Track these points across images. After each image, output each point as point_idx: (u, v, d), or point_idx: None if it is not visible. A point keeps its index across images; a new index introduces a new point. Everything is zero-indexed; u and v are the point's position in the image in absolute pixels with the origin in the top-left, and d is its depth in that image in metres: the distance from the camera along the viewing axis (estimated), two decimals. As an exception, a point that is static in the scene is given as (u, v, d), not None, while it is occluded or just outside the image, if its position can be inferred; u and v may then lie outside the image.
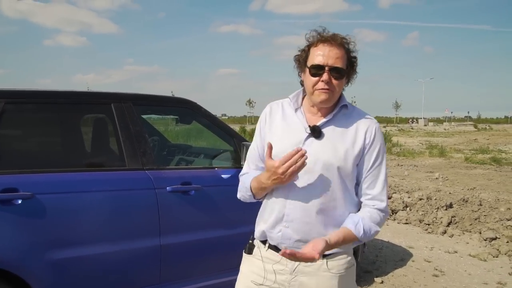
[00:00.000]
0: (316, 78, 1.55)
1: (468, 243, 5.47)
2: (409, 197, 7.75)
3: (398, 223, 6.49)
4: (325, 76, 1.54)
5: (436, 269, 4.46)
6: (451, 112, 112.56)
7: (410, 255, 4.93)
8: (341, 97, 1.65)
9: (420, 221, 6.38)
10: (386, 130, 32.63)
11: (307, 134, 1.60)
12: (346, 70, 1.57)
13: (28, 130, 2.68)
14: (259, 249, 1.71)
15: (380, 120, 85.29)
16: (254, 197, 1.70)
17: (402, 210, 6.98)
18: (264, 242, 1.70)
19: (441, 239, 5.67)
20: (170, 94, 3.80)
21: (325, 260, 1.61)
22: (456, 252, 5.06)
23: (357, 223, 1.56)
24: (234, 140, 3.16)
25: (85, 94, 2.82)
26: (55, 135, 2.80)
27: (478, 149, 19.44)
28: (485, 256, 4.88)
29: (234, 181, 2.98)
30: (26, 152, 2.62)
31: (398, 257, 4.85)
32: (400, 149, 19.54)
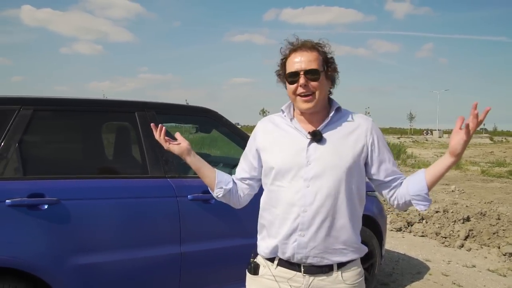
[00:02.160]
0: (295, 85, 1.59)
1: (486, 257, 5.38)
2: (425, 210, 7.66)
3: (414, 235, 6.42)
4: (301, 80, 1.57)
5: (454, 283, 4.40)
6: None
7: (427, 268, 4.88)
8: (332, 101, 1.69)
9: (437, 234, 6.31)
10: (401, 142, 32.41)
11: (309, 140, 1.61)
12: (321, 71, 1.59)
13: (55, 137, 2.75)
14: (268, 268, 1.67)
15: (395, 131, 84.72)
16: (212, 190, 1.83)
17: (418, 223, 6.90)
18: (271, 260, 1.67)
19: (458, 252, 5.59)
20: (184, 103, 3.86)
21: (339, 272, 1.61)
22: (474, 266, 4.99)
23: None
24: (254, 149, 3.18)
25: (110, 103, 2.88)
26: (80, 142, 2.86)
27: (495, 162, 19.17)
28: (505, 271, 4.80)
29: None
30: (52, 158, 2.68)
31: (415, 270, 4.80)
32: (415, 161, 19.36)
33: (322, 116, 1.65)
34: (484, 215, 7.08)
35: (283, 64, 1.67)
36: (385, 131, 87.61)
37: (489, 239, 5.93)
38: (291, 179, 1.60)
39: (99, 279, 2.47)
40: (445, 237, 6.15)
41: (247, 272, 1.74)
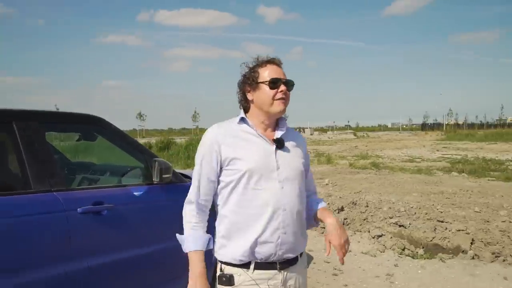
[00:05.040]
0: (275, 90, 1.77)
1: (359, 241, 6.00)
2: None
3: (296, 228, 6.86)
4: (283, 86, 1.78)
5: (335, 269, 4.83)
6: (334, 122, 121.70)
7: (310, 257, 5.27)
8: None
9: (316, 225, 6.82)
10: (277, 140, 34.03)
11: (274, 146, 1.79)
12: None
13: None
14: (245, 274, 1.73)
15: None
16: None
17: (299, 216, 7.38)
18: (246, 265, 1.73)
19: (336, 240, 6.12)
20: (54, 108, 3.63)
21: (301, 259, 1.88)
22: (350, 251, 5.52)
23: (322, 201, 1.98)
24: (144, 156, 3.13)
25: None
26: None
27: (359, 155, 21.31)
28: (375, 252, 5.42)
29: (147, 198, 2.97)
30: None
31: (301, 260, 5.15)
32: (292, 158, 20.52)
33: (275, 123, 1.86)
34: (355, 204, 7.86)
35: (254, 72, 1.80)
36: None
37: (360, 225, 6.62)
38: (266, 181, 1.73)
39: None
40: (324, 228, 6.68)
41: (221, 286, 1.75)
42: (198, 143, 1.85)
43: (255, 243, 1.71)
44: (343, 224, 6.70)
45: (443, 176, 12.63)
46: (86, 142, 3.44)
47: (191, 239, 1.76)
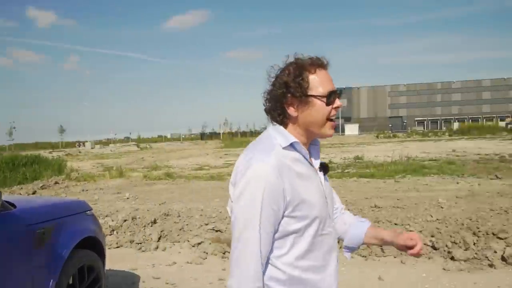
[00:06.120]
0: (330, 107, 1.36)
1: (180, 252, 5.99)
2: (112, 221, 7.73)
3: (109, 248, 6.39)
4: (338, 102, 1.38)
5: (167, 283, 4.72)
6: (115, 134, 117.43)
7: (137, 276, 5.00)
8: None
9: (131, 241, 6.52)
10: (53, 156, 30.69)
11: (322, 175, 1.45)
12: None
13: None
14: None
15: (45, 145, 79.86)
16: None
17: (110, 235, 6.91)
18: None
19: (156, 254, 5.97)
20: None
21: None
22: (175, 263, 5.48)
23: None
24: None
25: None
26: None
27: (150, 167, 21.21)
28: (199, 260, 5.51)
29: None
30: None
31: (129, 281, 4.85)
32: (78, 174, 19.00)
33: (307, 144, 1.46)
34: (168, 215, 7.82)
35: (302, 79, 1.33)
36: (34, 146, 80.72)
37: (178, 235, 6.62)
38: (328, 222, 1.43)
39: None
40: (140, 243, 6.43)
41: None
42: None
43: None
44: (160, 237, 6.59)
45: (235, 181, 13.70)
46: None
47: None
